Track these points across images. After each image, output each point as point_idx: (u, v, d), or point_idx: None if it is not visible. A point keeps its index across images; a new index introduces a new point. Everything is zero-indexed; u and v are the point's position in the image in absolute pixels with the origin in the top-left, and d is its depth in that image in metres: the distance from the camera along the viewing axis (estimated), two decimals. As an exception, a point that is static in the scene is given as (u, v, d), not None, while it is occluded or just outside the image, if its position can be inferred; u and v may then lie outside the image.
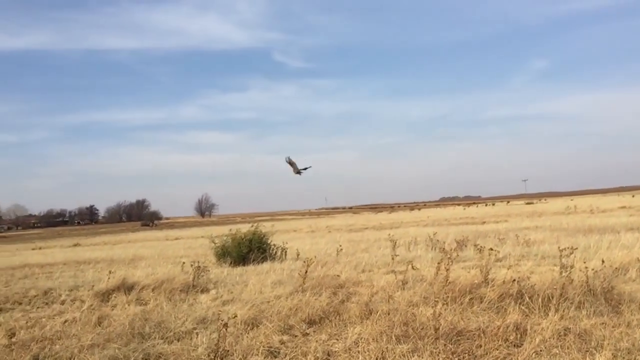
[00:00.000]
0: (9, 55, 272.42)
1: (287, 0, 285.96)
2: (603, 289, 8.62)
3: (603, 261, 9.71)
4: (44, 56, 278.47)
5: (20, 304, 12.21)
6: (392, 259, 12.39)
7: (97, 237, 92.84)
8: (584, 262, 9.45)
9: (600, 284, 8.76)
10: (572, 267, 9.23)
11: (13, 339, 8.07)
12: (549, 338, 6.66)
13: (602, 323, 7.24)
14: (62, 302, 11.86)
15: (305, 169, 17.12)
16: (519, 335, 6.84)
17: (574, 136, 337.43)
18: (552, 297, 8.25)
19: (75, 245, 62.07)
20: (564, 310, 7.70)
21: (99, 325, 8.86)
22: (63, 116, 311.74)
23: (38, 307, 11.63)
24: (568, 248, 9.80)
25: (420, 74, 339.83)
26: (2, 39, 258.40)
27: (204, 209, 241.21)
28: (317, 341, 7.21)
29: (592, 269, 8.98)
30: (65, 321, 9.50)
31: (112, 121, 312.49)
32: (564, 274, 9.13)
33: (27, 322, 9.69)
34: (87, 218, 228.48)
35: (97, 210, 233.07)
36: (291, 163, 16.02)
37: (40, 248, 59.90)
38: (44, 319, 9.93)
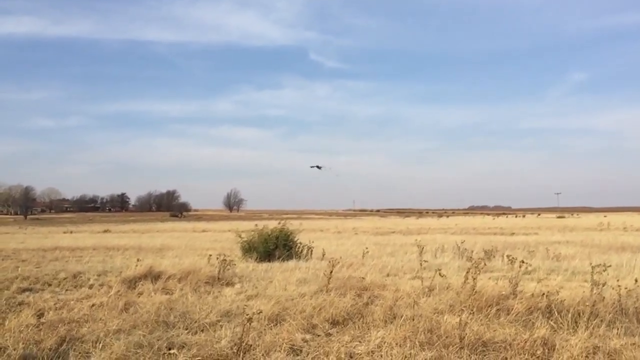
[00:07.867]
0: (52, 42, 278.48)
1: (325, 1, 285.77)
2: (635, 309, 8.42)
3: (636, 280, 9.46)
4: (85, 45, 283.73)
5: (50, 285, 12.43)
6: (421, 264, 12.23)
7: (126, 225, 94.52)
8: (617, 280, 9.21)
9: (633, 304, 8.57)
10: (604, 284, 9.01)
11: (41, 319, 8.24)
12: (577, 355, 6.49)
13: (633, 344, 7.03)
14: (91, 286, 12.04)
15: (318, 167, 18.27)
16: (546, 351, 6.68)
17: (611, 152, 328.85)
18: (582, 314, 8.07)
19: (105, 231, 63.21)
20: (593, 328, 7.51)
21: (125, 312, 8.98)
22: (101, 104, 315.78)
23: (67, 290, 11.82)
24: (600, 265, 9.55)
25: (458, 81, 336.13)
26: (48, 26, 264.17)
27: (232, 204, 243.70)
28: (339, 342, 7.17)
29: (625, 288, 8.77)
30: (93, 305, 9.64)
31: (148, 112, 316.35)
32: (595, 291, 8.91)
33: (55, 304, 9.86)
34: (118, 205, 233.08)
35: (129, 198, 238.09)
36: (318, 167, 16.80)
37: (71, 232, 61.26)
38: (72, 302, 10.08)
